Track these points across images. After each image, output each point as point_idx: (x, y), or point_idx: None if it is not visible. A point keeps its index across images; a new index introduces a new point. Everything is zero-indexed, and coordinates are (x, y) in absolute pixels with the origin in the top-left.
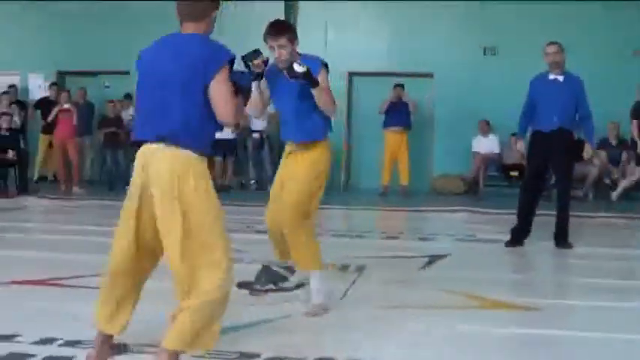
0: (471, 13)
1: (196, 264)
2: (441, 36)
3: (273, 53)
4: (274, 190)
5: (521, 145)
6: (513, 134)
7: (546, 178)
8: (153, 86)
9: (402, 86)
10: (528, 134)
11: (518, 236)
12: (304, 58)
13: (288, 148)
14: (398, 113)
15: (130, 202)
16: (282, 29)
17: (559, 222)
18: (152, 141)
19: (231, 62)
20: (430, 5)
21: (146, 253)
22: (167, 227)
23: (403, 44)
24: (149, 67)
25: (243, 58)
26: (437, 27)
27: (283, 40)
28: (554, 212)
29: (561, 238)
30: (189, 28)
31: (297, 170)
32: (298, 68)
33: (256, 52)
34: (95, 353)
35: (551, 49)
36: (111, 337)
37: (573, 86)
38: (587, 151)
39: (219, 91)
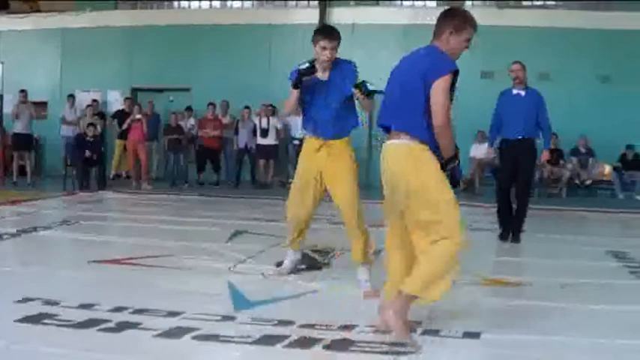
0: (472, 41)
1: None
2: None
3: (320, 52)
4: (305, 185)
5: (491, 152)
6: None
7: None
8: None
9: None
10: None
11: (506, 228)
12: (342, 62)
13: (313, 144)
14: None
15: None
16: (337, 35)
17: (518, 217)
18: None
19: (455, 73)
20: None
21: None
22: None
23: None
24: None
25: (299, 71)
26: None
27: (335, 44)
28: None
29: (517, 232)
30: (433, 43)
31: (340, 168)
32: (371, 86)
33: (311, 69)
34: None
35: (515, 67)
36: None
37: (534, 100)
38: (545, 156)
39: (436, 97)
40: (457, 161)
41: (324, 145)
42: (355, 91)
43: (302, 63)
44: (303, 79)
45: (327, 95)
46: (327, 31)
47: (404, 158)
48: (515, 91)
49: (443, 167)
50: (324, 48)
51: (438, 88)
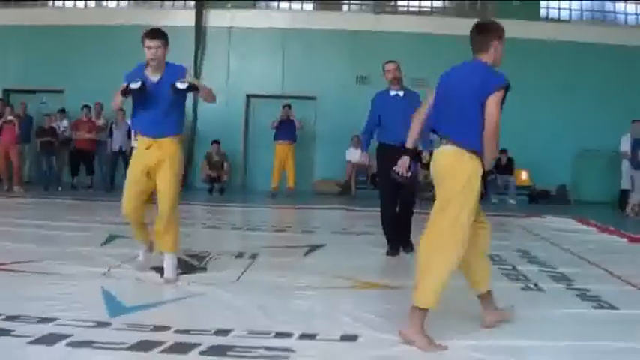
0: (348, 46)
1: None
2: (324, 65)
3: (146, 52)
4: (136, 181)
5: (365, 158)
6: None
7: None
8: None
9: (289, 106)
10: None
11: (394, 244)
12: (173, 65)
13: (144, 143)
14: (286, 129)
15: None
16: (160, 34)
17: (406, 227)
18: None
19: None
20: (316, 37)
21: None
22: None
23: (292, 71)
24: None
25: (129, 89)
26: (320, 57)
27: (158, 43)
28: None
29: (408, 241)
30: (479, 58)
31: (165, 165)
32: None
33: (140, 89)
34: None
35: (391, 66)
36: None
37: (414, 102)
38: (425, 158)
39: (490, 110)
40: (493, 175)
41: (154, 144)
42: (170, 90)
43: (136, 80)
44: (131, 92)
45: (157, 96)
46: (149, 32)
47: (452, 157)
48: (393, 92)
49: (483, 177)
50: (149, 47)
51: (493, 102)
